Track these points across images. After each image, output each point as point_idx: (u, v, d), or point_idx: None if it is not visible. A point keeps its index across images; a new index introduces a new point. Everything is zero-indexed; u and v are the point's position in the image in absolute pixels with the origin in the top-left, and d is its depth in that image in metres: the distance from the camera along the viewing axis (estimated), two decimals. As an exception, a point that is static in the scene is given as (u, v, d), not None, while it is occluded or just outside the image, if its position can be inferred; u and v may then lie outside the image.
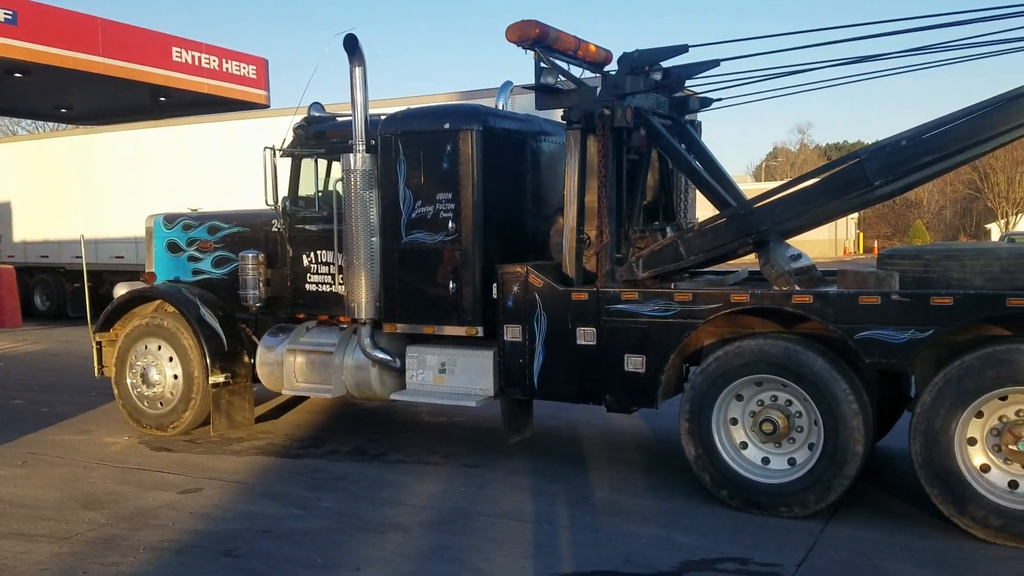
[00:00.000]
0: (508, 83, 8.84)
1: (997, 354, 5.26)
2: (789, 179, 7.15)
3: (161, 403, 8.53)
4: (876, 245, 54.13)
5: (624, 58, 6.84)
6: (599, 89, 6.81)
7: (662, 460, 7.27)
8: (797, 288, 6.08)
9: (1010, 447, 5.29)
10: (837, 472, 5.68)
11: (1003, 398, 5.32)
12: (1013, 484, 5.34)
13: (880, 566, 5.04)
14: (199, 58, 23.61)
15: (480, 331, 6.99)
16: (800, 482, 5.83)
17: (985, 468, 5.39)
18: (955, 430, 5.34)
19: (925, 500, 5.49)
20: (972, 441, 5.41)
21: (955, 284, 5.58)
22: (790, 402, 6.01)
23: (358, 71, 7.18)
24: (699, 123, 8.16)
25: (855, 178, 6.11)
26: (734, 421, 6.18)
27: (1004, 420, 5.35)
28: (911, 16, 6.07)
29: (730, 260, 7.47)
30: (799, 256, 7.13)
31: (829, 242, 49.43)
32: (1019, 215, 59.14)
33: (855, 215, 58.75)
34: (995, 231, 56.82)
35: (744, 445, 6.15)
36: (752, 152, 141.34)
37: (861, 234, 59.33)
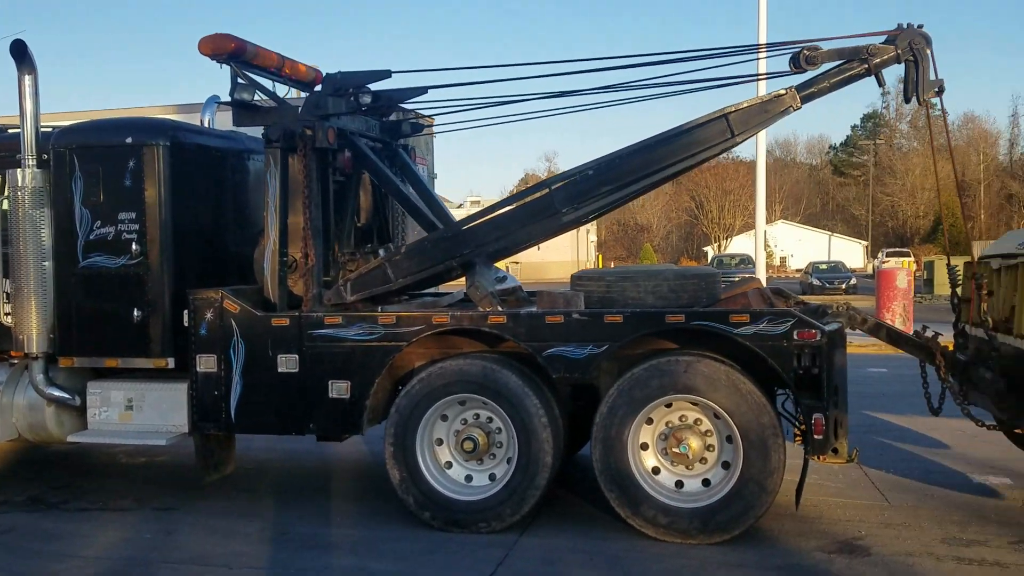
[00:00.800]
0: (214, 98, 8.37)
1: (660, 365, 5.76)
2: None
3: None
4: (613, 265, 58.60)
5: (328, 79, 6.76)
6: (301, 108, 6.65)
7: (375, 486, 7.16)
8: (499, 309, 6.28)
9: (675, 450, 5.80)
10: (530, 483, 5.91)
11: (668, 405, 5.83)
12: (679, 484, 5.85)
13: (561, 571, 5.29)
14: None
15: (171, 363, 6.49)
16: (497, 496, 5.98)
17: (656, 470, 5.87)
18: (628, 436, 5.76)
19: (609, 505, 5.84)
20: (644, 446, 5.87)
21: (631, 303, 6.07)
22: (491, 419, 6.18)
23: (27, 79, 6.53)
24: (412, 147, 8.25)
25: (545, 205, 6.47)
26: (440, 441, 6.24)
27: (670, 425, 5.86)
28: (602, 56, 6.61)
29: (442, 283, 7.61)
30: (505, 278, 7.40)
31: (572, 263, 52.58)
32: (729, 239, 67.06)
33: (594, 237, 63.31)
34: (711, 253, 63.90)
35: (449, 465, 6.22)
36: (505, 178, 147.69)
37: (600, 255, 63.99)
